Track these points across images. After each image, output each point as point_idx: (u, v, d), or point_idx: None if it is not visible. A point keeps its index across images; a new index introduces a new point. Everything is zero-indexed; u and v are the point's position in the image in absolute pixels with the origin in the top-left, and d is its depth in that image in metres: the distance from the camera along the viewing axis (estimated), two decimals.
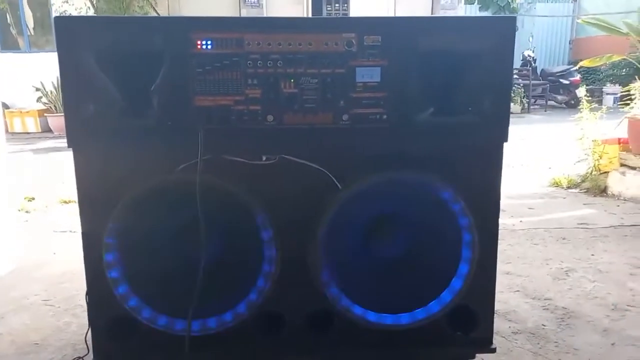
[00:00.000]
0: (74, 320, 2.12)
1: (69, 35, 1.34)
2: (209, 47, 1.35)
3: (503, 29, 1.37)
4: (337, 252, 1.50)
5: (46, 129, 9.67)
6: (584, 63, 4.81)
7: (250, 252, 1.48)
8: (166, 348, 1.50)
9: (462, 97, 1.41)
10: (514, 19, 1.38)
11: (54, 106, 9.66)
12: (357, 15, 10.44)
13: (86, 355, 1.64)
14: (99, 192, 1.43)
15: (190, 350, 1.44)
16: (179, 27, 1.35)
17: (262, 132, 1.40)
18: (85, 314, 2.04)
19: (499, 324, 2.00)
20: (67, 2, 9.46)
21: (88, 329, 1.54)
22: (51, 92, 9.70)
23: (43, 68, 9.38)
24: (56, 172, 5.40)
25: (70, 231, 3.46)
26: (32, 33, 10.69)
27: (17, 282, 2.53)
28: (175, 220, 1.46)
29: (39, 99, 9.59)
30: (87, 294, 1.50)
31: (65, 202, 4.31)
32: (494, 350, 1.58)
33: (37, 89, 9.55)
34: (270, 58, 1.36)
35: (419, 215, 1.49)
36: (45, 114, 9.69)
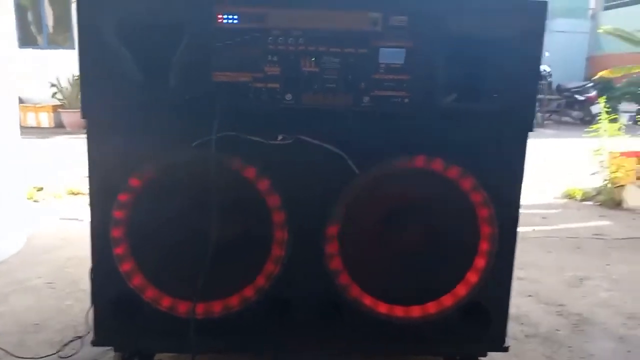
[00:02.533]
0: (77, 303, 2.08)
1: (90, 4, 1.31)
2: (231, 21, 1.32)
3: (534, 13, 1.32)
4: (351, 240, 1.45)
5: (59, 125, 9.71)
6: (603, 73, 4.74)
7: (260, 235, 1.44)
8: (168, 330, 1.45)
9: (488, 83, 1.37)
10: (546, 3, 1.33)
11: (69, 102, 9.72)
12: None
13: (86, 335, 1.60)
14: (110, 165, 1.39)
15: (194, 334, 1.39)
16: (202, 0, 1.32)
17: (280, 111, 1.37)
18: (87, 298, 2.02)
19: (511, 326, 1.92)
20: None
21: (89, 309, 1.50)
22: (66, 89, 9.76)
23: (60, 65, 9.46)
24: (67, 165, 5.41)
25: (78, 219, 3.44)
26: (52, 31, 10.78)
27: (22, 264, 2.51)
28: (186, 198, 1.42)
29: (53, 95, 9.66)
30: (91, 269, 1.46)
31: (73, 193, 4.30)
32: (506, 350, 1.52)
33: (53, 85, 9.62)
34: (291, 35, 1.33)
35: (438, 205, 1.45)
36: (59, 110, 9.74)
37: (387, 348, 1.54)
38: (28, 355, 1.64)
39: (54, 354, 1.65)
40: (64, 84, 9.74)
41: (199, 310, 1.42)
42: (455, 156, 1.38)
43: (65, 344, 1.67)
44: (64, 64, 9.60)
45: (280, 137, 1.39)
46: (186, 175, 1.39)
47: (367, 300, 1.47)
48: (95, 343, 1.46)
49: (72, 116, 9.61)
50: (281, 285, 1.45)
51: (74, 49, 10.30)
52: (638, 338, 1.93)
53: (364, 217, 1.46)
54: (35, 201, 3.96)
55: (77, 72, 6.77)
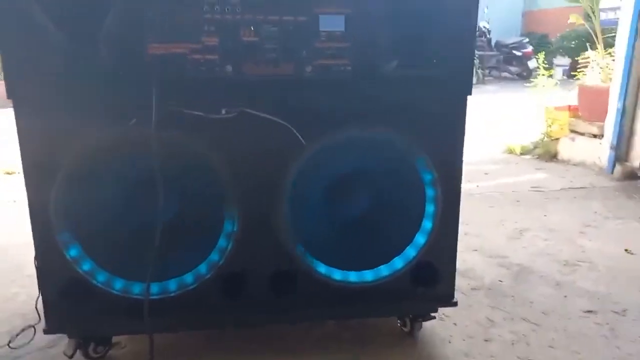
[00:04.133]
0: (22, 290, 2.01)
1: None
2: None
3: None
4: (302, 210, 1.46)
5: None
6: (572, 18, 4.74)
7: (211, 211, 1.42)
8: (124, 313, 1.43)
9: (427, 50, 1.38)
10: None
11: None
12: None
13: (37, 323, 1.55)
14: (44, 148, 1.32)
15: (150, 315, 1.37)
16: None
17: (221, 83, 1.33)
18: (34, 284, 1.94)
19: (458, 281, 2.01)
20: None
21: (38, 296, 1.45)
22: None
23: None
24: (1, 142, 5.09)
25: (14, 201, 3.28)
26: None
27: None
28: (129, 178, 1.38)
29: None
30: (35, 258, 1.40)
31: (8, 172, 4.09)
32: (455, 304, 1.60)
33: None
34: (228, 3, 1.28)
35: (383, 171, 1.47)
36: None
37: (342, 313, 1.58)
38: None
39: (6, 345, 1.59)
40: None
41: (153, 290, 1.40)
42: (398, 122, 1.40)
43: (17, 334, 1.61)
44: None
45: (223, 111, 1.36)
46: (127, 155, 1.34)
47: (322, 269, 1.50)
48: (47, 331, 1.42)
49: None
50: (235, 260, 1.44)
51: None
52: (572, 283, 2.08)
53: (313, 187, 1.46)
54: None
55: None
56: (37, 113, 1.30)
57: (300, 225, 1.46)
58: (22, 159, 1.33)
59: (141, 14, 1.26)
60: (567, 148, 4.28)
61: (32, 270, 2.09)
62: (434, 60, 1.39)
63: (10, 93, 1.28)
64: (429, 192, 1.49)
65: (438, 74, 1.39)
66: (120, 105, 1.31)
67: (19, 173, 3.97)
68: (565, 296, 1.97)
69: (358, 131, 1.41)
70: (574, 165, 4.11)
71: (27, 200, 1.35)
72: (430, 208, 1.51)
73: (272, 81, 1.35)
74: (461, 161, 1.48)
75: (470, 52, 1.42)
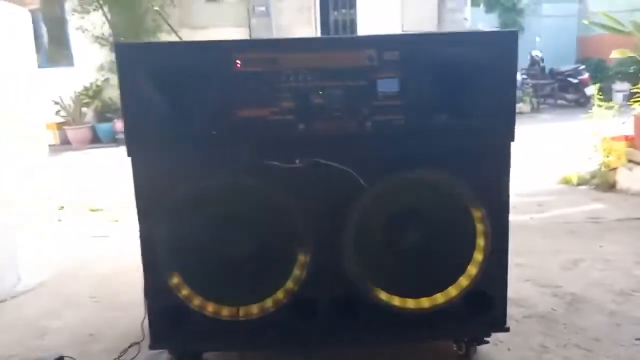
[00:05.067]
0: (122, 314, 2.32)
1: (127, 58, 1.54)
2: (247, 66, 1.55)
3: (506, 41, 1.55)
4: (365, 244, 1.68)
5: (64, 142, 9.98)
6: (617, 53, 4.82)
7: (287, 246, 1.67)
8: (214, 332, 1.69)
9: (471, 103, 1.59)
10: (516, 33, 1.56)
11: (72, 119, 9.99)
12: (365, 22, 10.66)
13: (141, 341, 1.84)
14: (154, 195, 1.62)
15: (237, 334, 1.62)
16: (221, 49, 1.55)
17: (295, 138, 1.60)
18: (131, 308, 2.26)
19: (511, 309, 2.14)
20: (83, 18, 9.77)
21: (144, 318, 1.73)
22: (69, 106, 10.03)
23: (60, 82, 9.71)
24: (81, 181, 5.65)
25: (103, 236, 3.68)
26: (47, 49, 11.02)
27: (63, 283, 2.75)
28: (221, 219, 1.65)
29: (57, 113, 9.91)
30: (144, 285, 1.69)
31: (93, 210, 4.53)
32: (507, 330, 1.75)
33: (56, 103, 9.88)
34: (301, 73, 1.56)
35: (437, 210, 1.67)
36: (64, 127, 10.01)
37: (402, 337, 1.77)
38: None
39: (118, 357, 1.88)
40: (67, 101, 10.00)
41: (240, 313, 1.66)
42: (448, 167, 1.61)
43: (124, 350, 1.90)
44: (63, 82, 9.87)
45: (297, 161, 1.62)
46: (221, 199, 1.63)
47: (383, 296, 1.70)
48: (152, 347, 1.70)
49: (77, 132, 9.91)
50: (307, 288, 1.68)
51: (72, 66, 10.56)
52: (627, 311, 2.15)
53: (374, 224, 1.68)
54: (58, 220, 4.18)
55: (78, 89, 7.09)
56: (149, 167, 1.61)
57: (363, 258, 1.68)
58: (137, 206, 1.64)
59: (230, 86, 1.56)
60: (625, 178, 4.26)
61: (128, 297, 2.43)
62: (478, 112, 1.60)
63: (130, 152, 1.60)
64: (479, 227, 1.67)
65: (482, 124, 1.59)
66: (215, 160, 1.60)
67: (102, 210, 4.44)
68: (618, 324, 2.05)
69: (411, 174, 1.63)
70: (632, 195, 4.09)
71: (139, 238, 1.65)
72: (480, 241, 1.68)
73: (338, 135, 1.60)
74: (508, 198, 1.66)
75: (511, 102, 1.62)
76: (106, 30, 9.65)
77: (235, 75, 1.56)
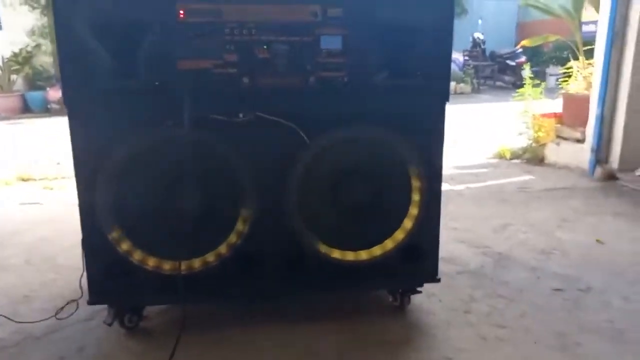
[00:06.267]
0: (58, 276, 2.26)
1: (65, 4, 1.49)
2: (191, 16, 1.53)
3: (443, 4, 1.62)
4: (307, 198, 1.73)
5: None
6: (524, 42, 5.20)
7: (230, 200, 1.69)
8: (156, 286, 1.69)
9: (410, 63, 1.66)
10: None
11: (0, 86, 9.35)
12: None
13: (79, 298, 1.81)
14: (92, 148, 1.59)
15: (179, 288, 1.63)
16: None
17: (239, 92, 1.60)
18: (68, 271, 2.21)
19: (445, 266, 2.29)
20: None
21: (82, 274, 1.71)
22: None
23: None
24: (9, 151, 5.35)
25: (36, 203, 3.53)
26: None
27: None
28: (163, 171, 1.64)
29: None
30: (82, 240, 1.65)
31: (24, 179, 4.32)
32: (438, 281, 1.86)
33: None
34: (245, 26, 1.56)
35: (376, 166, 1.74)
36: None
37: (342, 287, 1.84)
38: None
39: (53, 316, 1.84)
40: None
41: (181, 267, 1.66)
42: (387, 124, 1.68)
43: (61, 308, 1.87)
44: None
45: (241, 115, 1.63)
46: (163, 152, 1.61)
47: (323, 248, 1.76)
48: (91, 302, 1.68)
49: (6, 101, 9.28)
50: (250, 242, 1.71)
51: (0, 29, 9.85)
52: (546, 267, 2.34)
53: (316, 179, 1.73)
54: None
55: (6, 55, 6.63)
56: (87, 119, 1.57)
57: (306, 212, 1.72)
58: (74, 158, 1.59)
59: (173, 36, 1.54)
60: (553, 153, 4.54)
61: (63, 260, 2.38)
62: (418, 73, 1.67)
63: (66, 102, 1.55)
64: (415, 183, 1.76)
65: (419, 83, 1.66)
66: (155, 113, 1.58)
67: (34, 179, 4.24)
68: (538, 277, 2.23)
69: (353, 131, 1.68)
70: (559, 168, 4.38)
71: (77, 193, 1.61)
72: (415, 197, 1.77)
73: (282, 90, 1.62)
74: (442, 156, 1.75)
75: (447, 65, 1.70)
76: None
77: (178, 26, 1.54)
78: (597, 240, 2.66)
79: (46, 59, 9.40)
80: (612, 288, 2.12)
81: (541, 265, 2.35)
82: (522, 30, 14.73)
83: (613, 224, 2.94)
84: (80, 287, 1.79)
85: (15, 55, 9.57)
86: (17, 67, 9.58)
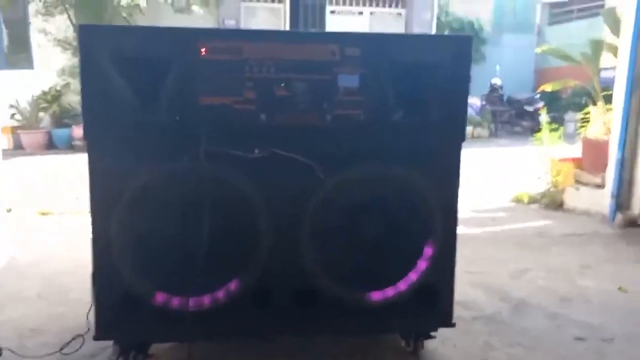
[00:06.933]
0: (68, 310, 2.25)
1: (90, 40, 1.54)
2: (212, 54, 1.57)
3: (461, 46, 1.64)
4: (320, 236, 1.71)
5: (18, 146, 9.60)
6: (544, 87, 5.21)
7: (244, 236, 1.67)
8: (165, 323, 1.66)
9: (427, 103, 1.67)
10: (471, 37, 1.66)
11: (28, 123, 9.65)
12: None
13: (86, 333, 1.78)
14: (108, 181, 1.61)
15: (187, 325, 1.61)
16: (187, 36, 1.58)
17: (256, 129, 1.62)
18: (78, 305, 2.20)
19: (460, 312, 2.22)
20: (47, 20, 9.55)
21: (90, 308, 1.69)
22: (25, 109, 9.70)
23: (18, 86, 9.41)
24: (31, 186, 5.46)
25: (55, 237, 3.56)
26: (7, 51, 10.68)
27: (11, 278, 2.65)
28: (177, 205, 1.65)
29: (12, 116, 9.56)
30: (92, 274, 1.65)
31: (43, 213, 4.38)
32: (453, 325, 1.80)
33: (12, 106, 9.54)
34: (264, 64, 1.59)
35: (391, 203, 1.72)
36: (18, 131, 9.64)
37: (353, 329, 1.79)
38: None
39: (58, 351, 1.82)
40: (23, 104, 9.67)
41: (190, 304, 1.64)
42: (403, 163, 1.67)
43: (67, 343, 1.84)
44: (22, 85, 9.56)
45: (256, 151, 1.64)
46: (178, 185, 1.62)
47: (335, 288, 1.72)
48: (97, 337, 1.65)
49: (31, 137, 9.55)
50: (261, 279, 1.68)
51: (32, 69, 10.26)
52: (567, 315, 2.26)
53: (330, 217, 1.72)
54: (7, 217, 4.02)
55: (36, 93, 6.93)
56: (106, 152, 1.60)
57: (319, 249, 1.70)
58: (90, 190, 1.61)
59: (195, 73, 1.58)
60: (572, 198, 4.47)
61: (76, 294, 2.37)
62: (433, 111, 1.67)
63: (87, 135, 1.58)
64: (430, 223, 1.73)
65: (435, 123, 1.67)
66: (175, 147, 1.60)
67: (52, 214, 4.30)
68: (559, 326, 2.14)
69: (368, 168, 1.68)
70: (578, 214, 4.29)
71: (91, 226, 1.61)
72: (430, 237, 1.74)
73: (298, 127, 1.64)
74: (457, 196, 1.73)
75: (463, 104, 1.70)
76: (70, 34, 9.44)
77: (200, 63, 1.58)
78: (620, 288, 2.56)
79: (74, 98, 9.70)
80: (636, 338, 2.02)
81: (562, 313, 2.27)
82: (540, 76, 14.81)
83: (635, 271, 2.85)
84: (88, 322, 1.77)
85: (44, 93, 9.93)
86: (45, 104, 9.92)
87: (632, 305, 2.37)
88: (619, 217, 3.83)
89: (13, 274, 2.72)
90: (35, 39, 10.09)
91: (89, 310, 1.71)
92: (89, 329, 1.79)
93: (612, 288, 2.57)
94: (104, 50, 1.54)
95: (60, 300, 2.37)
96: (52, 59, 9.85)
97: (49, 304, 2.33)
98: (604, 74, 4.85)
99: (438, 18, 12.63)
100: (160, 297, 1.67)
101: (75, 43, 9.34)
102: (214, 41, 1.58)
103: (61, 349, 1.83)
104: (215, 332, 1.74)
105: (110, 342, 1.75)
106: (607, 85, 4.79)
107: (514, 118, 12.18)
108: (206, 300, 1.69)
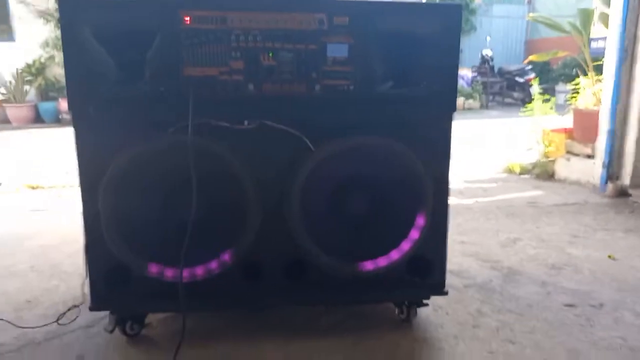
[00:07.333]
0: (62, 282, 2.25)
1: (71, 11, 1.49)
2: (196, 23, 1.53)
3: (451, 14, 1.61)
4: (311, 208, 1.70)
5: (4, 120, 9.46)
6: (532, 57, 5.19)
7: (234, 208, 1.66)
8: (158, 294, 1.66)
9: (417, 73, 1.64)
10: (460, 6, 1.62)
11: (13, 96, 9.47)
12: None
13: (81, 304, 1.79)
14: (96, 154, 1.58)
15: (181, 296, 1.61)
16: (170, 4, 1.53)
17: (244, 99, 1.59)
18: (72, 278, 2.20)
19: (452, 280, 2.25)
20: None
21: (84, 280, 1.69)
22: (10, 83, 9.51)
23: (0, 59, 9.20)
24: (19, 160, 5.40)
25: (45, 210, 3.54)
26: None
27: (2, 252, 2.63)
28: (166, 178, 1.63)
29: None
30: (85, 246, 1.64)
31: (32, 187, 4.35)
32: (446, 293, 1.82)
33: None
34: (251, 33, 1.55)
35: (382, 174, 1.72)
36: (4, 105, 9.47)
37: (345, 299, 1.81)
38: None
39: (54, 322, 1.82)
40: (8, 78, 9.47)
41: (184, 275, 1.64)
42: (393, 134, 1.65)
43: (63, 313, 1.84)
44: (3, 58, 9.35)
45: (245, 122, 1.62)
46: (166, 159, 1.60)
47: (327, 258, 1.73)
48: (92, 308, 1.65)
49: (18, 111, 9.40)
50: (254, 251, 1.68)
51: (13, 41, 10.00)
52: (557, 282, 2.29)
53: (320, 188, 1.71)
54: None
55: (20, 66, 6.75)
56: (92, 124, 1.56)
57: (310, 221, 1.70)
58: (78, 163, 1.59)
59: (178, 43, 1.54)
60: (563, 168, 4.49)
61: (68, 267, 2.37)
62: (423, 82, 1.65)
63: (71, 107, 1.55)
64: (422, 194, 1.73)
65: (425, 93, 1.65)
66: (160, 119, 1.57)
67: (42, 187, 4.27)
68: (548, 293, 2.17)
69: (358, 139, 1.66)
70: (570, 184, 4.32)
71: (81, 200, 1.60)
72: (422, 207, 1.74)
73: (287, 98, 1.61)
74: (448, 167, 1.73)
75: (453, 75, 1.67)
76: (52, 4, 9.19)
77: (184, 32, 1.54)
78: (609, 256, 2.60)
79: (59, 71, 9.52)
80: (624, 304, 2.06)
81: (552, 281, 2.30)
82: (531, 47, 14.74)
83: (625, 240, 2.88)
84: (83, 293, 1.77)
85: (28, 66, 9.71)
86: (30, 77, 9.72)
87: (621, 272, 2.40)
88: (610, 187, 3.86)
89: (4, 248, 2.70)
90: (16, 10, 9.81)
91: (84, 281, 1.71)
92: (84, 300, 1.79)
93: (602, 256, 2.60)
94: (85, 20, 1.50)
95: (54, 273, 2.36)
96: (34, 31, 9.61)
97: (42, 277, 2.32)
98: (594, 45, 4.81)
99: None
100: (153, 268, 1.67)
101: (57, 14, 9.11)
102: (198, 10, 1.53)
103: (58, 320, 1.84)
104: (209, 303, 1.74)
105: (107, 313, 1.75)
106: (597, 56, 4.77)
107: (505, 89, 12.16)
108: (199, 271, 1.69)
